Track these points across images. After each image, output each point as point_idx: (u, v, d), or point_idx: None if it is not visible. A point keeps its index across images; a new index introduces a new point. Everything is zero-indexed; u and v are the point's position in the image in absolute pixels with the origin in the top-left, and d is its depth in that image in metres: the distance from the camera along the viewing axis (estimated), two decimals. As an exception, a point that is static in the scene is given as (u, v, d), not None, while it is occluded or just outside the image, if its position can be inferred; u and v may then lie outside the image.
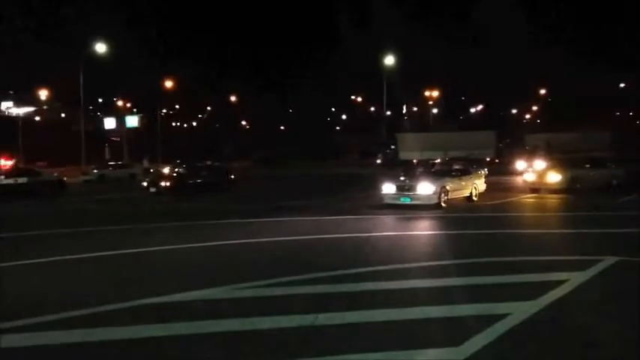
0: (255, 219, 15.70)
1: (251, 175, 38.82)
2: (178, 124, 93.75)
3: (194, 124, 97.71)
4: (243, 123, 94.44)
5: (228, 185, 26.94)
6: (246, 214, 16.90)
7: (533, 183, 22.53)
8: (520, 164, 23.59)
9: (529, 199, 20.63)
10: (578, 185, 21.51)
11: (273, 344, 5.54)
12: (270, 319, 6.21)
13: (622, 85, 79.44)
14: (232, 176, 28.50)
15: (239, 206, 19.46)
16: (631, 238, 11.60)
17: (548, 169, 23.06)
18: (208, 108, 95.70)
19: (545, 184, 22.01)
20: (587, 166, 23.02)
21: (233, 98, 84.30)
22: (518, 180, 25.93)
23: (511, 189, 24.21)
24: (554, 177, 21.84)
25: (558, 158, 24.98)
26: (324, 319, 6.20)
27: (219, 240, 12.06)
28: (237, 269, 9.09)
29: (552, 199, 20.00)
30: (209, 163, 35.00)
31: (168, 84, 60.21)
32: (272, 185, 32.45)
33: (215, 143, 70.12)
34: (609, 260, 8.94)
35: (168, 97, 67.27)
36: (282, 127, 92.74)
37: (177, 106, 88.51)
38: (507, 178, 29.47)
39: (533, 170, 23.67)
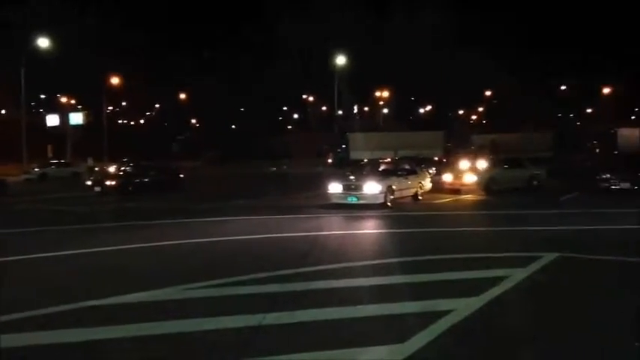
0: (204, 218, 15.52)
1: (200, 175, 38.31)
2: (125, 121, 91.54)
3: (141, 121, 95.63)
4: (194, 121, 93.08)
5: (177, 184, 26.48)
6: (195, 213, 16.68)
7: (451, 184, 22.49)
8: (463, 164, 23.91)
9: (472, 198, 21.12)
10: (494, 186, 21.71)
11: (220, 345, 5.50)
12: (217, 320, 6.15)
13: (563, 87, 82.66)
14: (181, 175, 28.03)
15: (188, 206, 19.18)
16: (571, 235, 12.07)
17: (465, 170, 23.15)
18: (157, 105, 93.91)
19: (463, 184, 22.21)
20: (506, 166, 23.36)
21: (182, 95, 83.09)
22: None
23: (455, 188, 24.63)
24: (471, 178, 22.15)
25: (476, 159, 25.02)
26: (271, 318, 6.19)
27: (167, 240, 11.85)
28: (184, 270, 8.95)
29: (501, 197, 20.53)
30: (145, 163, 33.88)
31: (115, 80, 58.74)
32: (222, 184, 32.11)
33: (164, 142, 68.83)
34: (549, 256, 9.26)
35: (115, 94, 65.58)
36: (233, 126, 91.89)
37: (123, 103, 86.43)
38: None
39: (452, 171, 23.59)
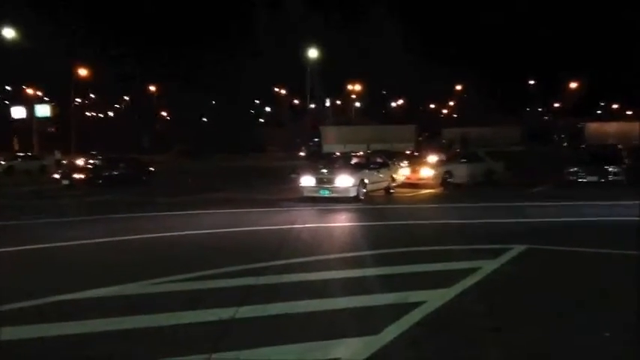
0: (174, 212, 15.34)
1: (171, 168, 37.86)
2: (94, 114, 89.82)
3: (110, 114, 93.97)
4: (164, 114, 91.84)
5: (147, 178, 26.12)
6: (165, 207, 16.48)
7: (408, 177, 22.40)
8: (432, 157, 24.01)
9: (443, 191, 21.29)
10: (451, 179, 21.84)
11: (191, 339, 5.43)
12: (188, 314, 6.09)
13: (531, 82, 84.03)
14: (151, 168, 27.65)
15: (158, 199, 18.94)
16: (540, 227, 12.27)
17: (422, 164, 23.23)
18: (126, 98, 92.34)
19: (420, 178, 22.27)
20: (464, 160, 23.48)
21: (152, 88, 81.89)
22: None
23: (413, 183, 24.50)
24: (428, 172, 22.26)
25: (434, 153, 25.14)
26: (244, 312, 6.14)
27: (137, 234, 11.67)
28: (154, 264, 8.84)
29: (465, 192, 20.76)
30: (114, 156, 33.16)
31: (83, 72, 57.51)
32: (192, 178, 31.77)
33: (133, 135, 67.78)
34: (519, 248, 9.39)
35: (83, 86, 64.26)
36: (204, 119, 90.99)
37: (92, 96, 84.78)
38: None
39: (409, 165, 23.46)
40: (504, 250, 9.15)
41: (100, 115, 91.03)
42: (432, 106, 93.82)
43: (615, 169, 20.94)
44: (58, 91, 60.57)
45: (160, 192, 21.47)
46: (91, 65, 57.56)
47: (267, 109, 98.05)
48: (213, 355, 4.97)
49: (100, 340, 5.43)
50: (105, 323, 5.82)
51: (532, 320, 5.93)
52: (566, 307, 6.41)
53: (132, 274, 7.93)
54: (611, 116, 73.31)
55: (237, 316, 6.01)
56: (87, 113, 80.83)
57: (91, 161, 27.40)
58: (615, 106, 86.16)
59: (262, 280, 7.61)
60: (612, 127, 49.55)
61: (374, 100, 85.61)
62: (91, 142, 50.28)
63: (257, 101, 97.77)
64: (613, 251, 9.17)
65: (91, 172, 24.89)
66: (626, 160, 23.06)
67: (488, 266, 8.11)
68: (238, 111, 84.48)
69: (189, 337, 5.48)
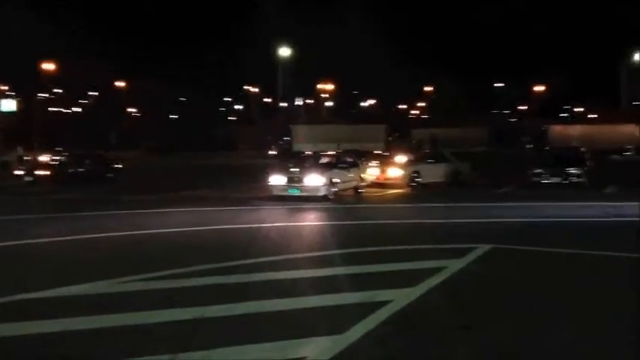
0: (142, 210, 15.18)
1: (139, 165, 37.36)
2: (60, 109, 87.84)
3: (78, 109, 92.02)
4: (133, 110, 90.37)
5: (114, 175, 25.74)
6: (133, 204, 16.30)
7: (378, 177, 22.55)
8: (400, 158, 24.25)
9: (410, 191, 21.54)
10: (420, 180, 22.13)
11: (159, 338, 5.42)
12: (157, 313, 6.07)
13: (498, 84, 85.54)
14: (119, 165, 27.26)
15: (125, 197, 18.69)
16: (504, 227, 12.54)
17: (391, 164, 23.43)
18: (95, 93, 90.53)
19: (388, 178, 22.47)
20: (431, 161, 23.82)
21: (122, 84, 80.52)
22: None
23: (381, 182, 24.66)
24: (396, 172, 22.48)
25: (402, 153, 25.37)
26: (213, 311, 6.15)
27: (104, 232, 11.54)
28: (123, 262, 8.76)
29: (432, 192, 21.04)
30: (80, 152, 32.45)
31: (49, 66, 56.30)
32: (161, 175, 31.43)
33: (101, 131, 66.57)
34: (484, 247, 9.57)
35: (49, 80, 62.86)
36: (174, 116, 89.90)
37: (59, 90, 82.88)
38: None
39: (378, 165, 23.59)
40: (470, 250, 9.32)
41: (66, 110, 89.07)
42: (403, 106, 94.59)
43: (577, 171, 21.49)
44: (24, 86, 59.15)
45: (128, 189, 21.19)
46: (57, 60, 56.35)
47: (239, 106, 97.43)
48: (181, 355, 4.97)
49: (73, 339, 5.39)
50: (74, 322, 5.77)
51: (498, 319, 6.07)
52: (532, 305, 6.57)
53: (101, 272, 7.85)
54: (574, 119, 75.21)
55: (207, 315, 6.01)
56: (52, 109, 78.98)
57: (56, 157, 26.86)
58: (579, 109, 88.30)
59: (232, 279, 7.62)
60: (575, 129, 50.81)
61: (345, 100, 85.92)
62: (57, 138, 49.25)
63: (228, 99, 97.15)
64: (575, 251, 9.45)
65: (56, 169, 24.41)
66: (588, 163, 23.71)
67: (454, 265, 8.27)
68: (209, 108, 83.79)
69: (158, 337, 5.47)
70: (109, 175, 25.46)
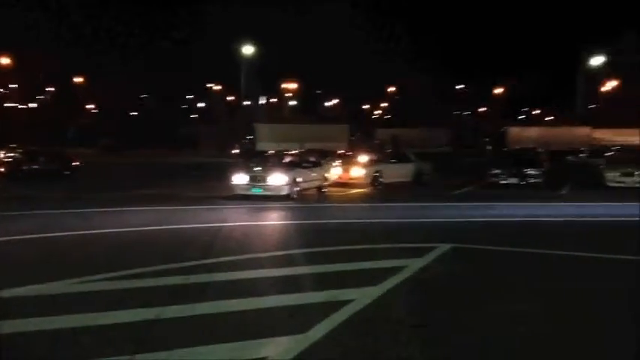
0: (100, 208, 14.83)
1: (98, 163, 36.53)
2: (15, 105, 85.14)
3: (34, 105, 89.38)
4: (92, 107, 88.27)
5: (70, 172, 25.09)
6: (91, 202, 15.91)
7: (340, 177, 22.53)
8: (363, 157, 24.39)
9: (373, 190, 21.69)
10: (381, 179, 22.30)
11: (116, 339, 5.29)
12: (113, 314, 5.94)
13: (458, 87, 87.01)
14: (76, 163, 26.58)
15: (83, 194, 18.24)
16: (464, 227, 12.76)
17: (353, 163, 23.50)
18: (51, 89, 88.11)
19: (351, 178, 22.54)
20: (393, 161, 24.03)
21: (80, 79, 78.58)
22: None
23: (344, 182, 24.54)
24: (359, 172, 22.60)
25: (365, 153, 25.42)
26: (171, 311, 6.05)
27: (59, 231, 11.22)
28: (79, 262, 8.54)
29: (395, 191, 21.21)
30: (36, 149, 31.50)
31: (4, 60, 54.53)
32: (120, 173, 30.83)
33: (58, 128, 64.83)
34: (444, 247, 9.71)
35: (4, 75, 60.88)
36: (134, 113, 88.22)
37: (15, 85, 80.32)
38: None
39: (341, 165, 23.53)
40: (430, 249, 9.43)
41: (21, 106, 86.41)
42: (366, 106, 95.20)
43: (534, 172, 22.03)
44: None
45: (85, 187, 20.68)
46: (13, 53, 54.65)
47: (202, 105, 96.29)
48: (138, 356, 4.87)
49: (28, 341, 5.24)
50: (26, 323, 5.60)
51: (456, 317, 6.16)
52: (490, 303, 6.69)
53: (57, 272, 7.64)
54: (532, 121, 77.16)
55: (164, 316, 5.91)
56: (7, 104, 76.52)
57: (10, 154, 26.03)
58: (537, 112, 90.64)
59: (192, 279, 7.50)
60: (533, 131, 52.07)
61: (309, 99, 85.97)
62: (12, 134, 47.76)
63: (190, 96, 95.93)
64: (534, 250, 9.69)
65: (10, 166, 23.66)
66: (545, 164, 24.34)
67: (415, 264, 8.35)
68: (171, 106, 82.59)
69: (114, 338, 5.33)
70: (66, 172, 24.81)
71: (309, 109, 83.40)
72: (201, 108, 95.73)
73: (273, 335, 5.41)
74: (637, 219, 12.23)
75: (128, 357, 4.84)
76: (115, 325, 5.63)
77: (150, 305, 6.18)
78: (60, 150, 33.73)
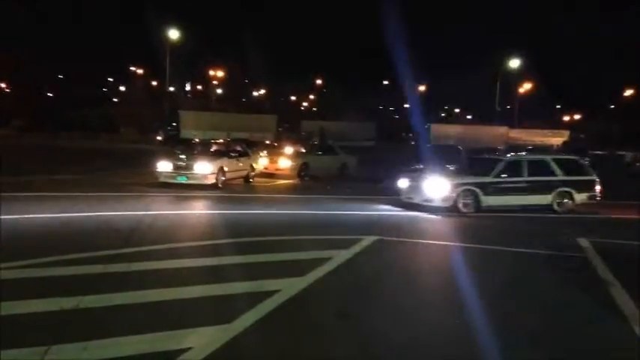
0: (14, 193, 13.99)
1: (9, 145, 34.43)
2: None
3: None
4: (2, 85, 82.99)
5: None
6: (4, 187, 14.96)
7: (266, 167, 22.66)
8: (289, 149, 24.43)
9: (299, 182, 21.79)
10: (308, 171, 22.58)
11: (32, 329, 5.06)
12: (30, 303, 5.69)
13: (385, 82, 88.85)
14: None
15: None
16: (388, 219, 13.07)
17: (280, 154, 23.62)
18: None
19: (278, 169, 22.69)
20: (320, 153, 24.38)
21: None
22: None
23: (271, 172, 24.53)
24: (285, 163, 22.77)
25: (292, 144, 25.56)
26: (89, 301, 5.84)
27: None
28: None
29: (321, 183, 21.39)
30: None
31: None
32: (36, 157, 29.21)
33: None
34: (370, 239, 9.92)
35: None
36: (50, 95, 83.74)
37: None
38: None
39: (267, 155, 23.64)
40: (356, 241, 9.60)
41: None
42: (293, 98, 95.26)
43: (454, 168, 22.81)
44: None
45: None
46: None
47: (122, 88, 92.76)
48: (54, 347, 4.67)
49: None
50: None
51: (379, 306, 6.31)
52: (414, 293, 6.91)
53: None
54: (450, 118, 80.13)
55: (82, 305, 5.69)
56: None
57: None
58: (457, 110, 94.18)
59: (112, 267, 7.26)
60: (454, 129, 54.04)
61: (236, 88, 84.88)
62: None
63: (110, 79, 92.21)
64: (457, 244, 10.09)
65: None
66: (464, 160, 25.24)
67: (341, 256, 8.47)
68: (90, 88, 78.99)
69: (30, 327, 5.11)
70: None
71: (236, 98, 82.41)
72: (122, 92, 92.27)
73: (198, 325, 5.35)
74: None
75: (45, 347, 4.63)
76: (31, 315, 5.39)
77: (67, 295, 5.94)
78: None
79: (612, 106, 77.89)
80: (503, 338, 5.38)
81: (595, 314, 6.34)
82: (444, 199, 14.15)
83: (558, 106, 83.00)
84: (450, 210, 14.09)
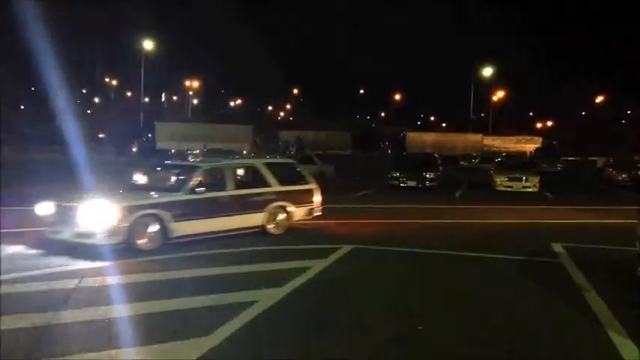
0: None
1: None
2: None
3: None
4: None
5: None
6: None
7: None
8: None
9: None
10: None
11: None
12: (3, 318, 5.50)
13: (361, 91, 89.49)
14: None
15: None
16: (364, 228, 13.06)
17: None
18: None
19: None
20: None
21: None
22: None
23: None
24: None
25: (266, 154, 25.82)
26: (65, 316, 5.71)
27: None
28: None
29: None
30: None
31: None
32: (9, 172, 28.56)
33: None
34: (346, 248, 9.88)
35: None
36: (22, 107, 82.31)
37: None
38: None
39: None
40: (333, 250, 9.57)
41: None
42: (270, 108, 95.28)
43: (431, 176, 23.05)
44: None
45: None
46: None
47: (97, 99, 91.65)
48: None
49: None
50: None
51: (358, 317, 6.27)
52: (392, 302, 6.89)
53: None
54: (428, 127, 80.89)
55: (55, 322, 5.57)
56: None
57: None
58: (432, 118, 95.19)
59: (85, 282, 7.12)
60: (430, 137, 54.60)
61: (212, 99, 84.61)
62: None
63: (84, 90, 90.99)
64: (431, 251, 10.12)
65: None
66: (441, 168, 25.55)
67: (318, 266, 8.43)
68: (63, 100, 77.74)
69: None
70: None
71: (212, 108, 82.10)
72: (96, 103, 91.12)
73: (175, 339, 5.26)
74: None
75: None
76: (4, 332, 5.24)
77: (41, 311, 5.80)
78: None
79: (583, 113, 79.51)
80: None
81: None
82: (111, 233, 8.80)
83: (531, 114, 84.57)
84: (124, 248, 8.97)
